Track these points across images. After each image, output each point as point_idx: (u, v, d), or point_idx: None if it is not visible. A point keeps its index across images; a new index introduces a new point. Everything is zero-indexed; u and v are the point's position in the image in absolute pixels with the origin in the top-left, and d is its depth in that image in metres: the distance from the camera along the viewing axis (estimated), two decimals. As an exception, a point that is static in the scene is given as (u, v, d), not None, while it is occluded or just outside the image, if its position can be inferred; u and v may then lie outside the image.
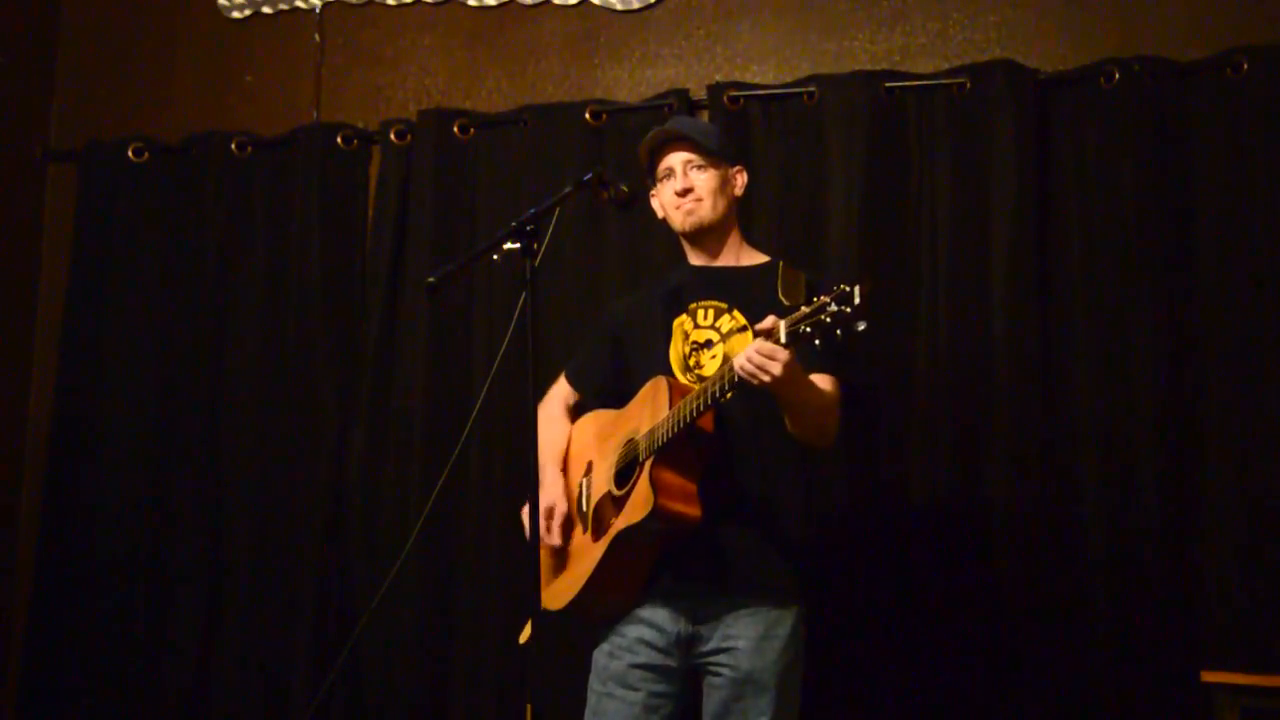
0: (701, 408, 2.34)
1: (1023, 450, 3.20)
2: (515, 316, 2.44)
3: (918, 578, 3.22)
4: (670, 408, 2.41)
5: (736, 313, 2.59)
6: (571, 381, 2.81)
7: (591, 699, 2.56)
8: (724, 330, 2.59)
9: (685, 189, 2.63)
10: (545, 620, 2.58)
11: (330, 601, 3.62)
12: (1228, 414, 3.12)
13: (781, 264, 2.64)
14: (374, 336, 3.71)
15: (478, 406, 2.78)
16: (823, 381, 2.49)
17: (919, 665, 3.18)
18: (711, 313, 2.62)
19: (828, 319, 2.12)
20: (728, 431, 2.48)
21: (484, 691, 3.46)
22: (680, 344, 2.61)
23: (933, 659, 3.17)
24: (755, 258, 2.72)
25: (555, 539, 2.60)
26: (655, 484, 2.38)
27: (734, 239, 2.71)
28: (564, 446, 2.73)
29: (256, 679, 3.64)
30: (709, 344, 2.60)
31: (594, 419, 2.71)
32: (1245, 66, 3.20)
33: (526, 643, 2.59)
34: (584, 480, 2.64)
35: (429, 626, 3.54)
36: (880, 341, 3.29)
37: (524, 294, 2.28)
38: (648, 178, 2.73)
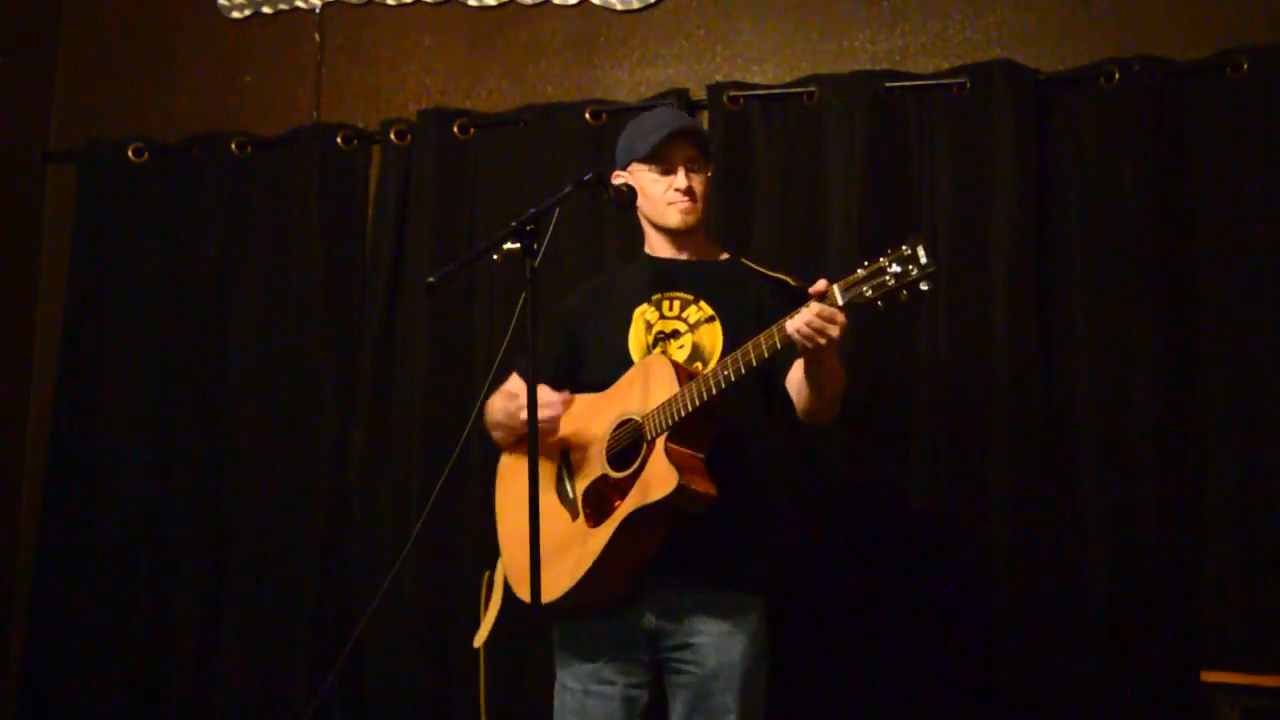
0: (732, 376, 2.32)
1: (1022, 449, 3.20)
2: (515, 316, 2.44)
3: (916, 577, 3.22)
4: (681, 384, 2.38)
5: (703, 304, 2.60)
6: (525, 376, 2.71)
7: (569, 699, 2.54)
8: (691, 321, 2.59)
9: (689, 189, 2.62)
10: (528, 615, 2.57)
11: (330, 601, 3.63)
12: (1228, 414, 3.12)
13: (744, 259, 2.68)
14: (374, 336, 3.71)
15: (478, 406, 2.77)
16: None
17: (918, 665, 3.18)
18: (678, 304, 2.62)
19: (890, 280, 2.12)
20: None
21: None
22: (642, 333, 2.61)
23: (932, 659, 3.17)
24: (717, 253, 2.74)
25: (559, 407, 2.52)
26: (675, 463, 2.35)
27: (701, 234, 2.73)
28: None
29: (256, 680, 3.64)
30: (676, 334, 2.60)
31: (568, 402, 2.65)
32: (1245, 66, 3.20)
33: (483, 645, 2.62)
34: (563, 467, 2.61)
35: (429, 626, 3.54)
36: (879, 340, 3.30)
37: (524, 294, 2.27)
38: (629, 156, 2.65)
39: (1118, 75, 3.27)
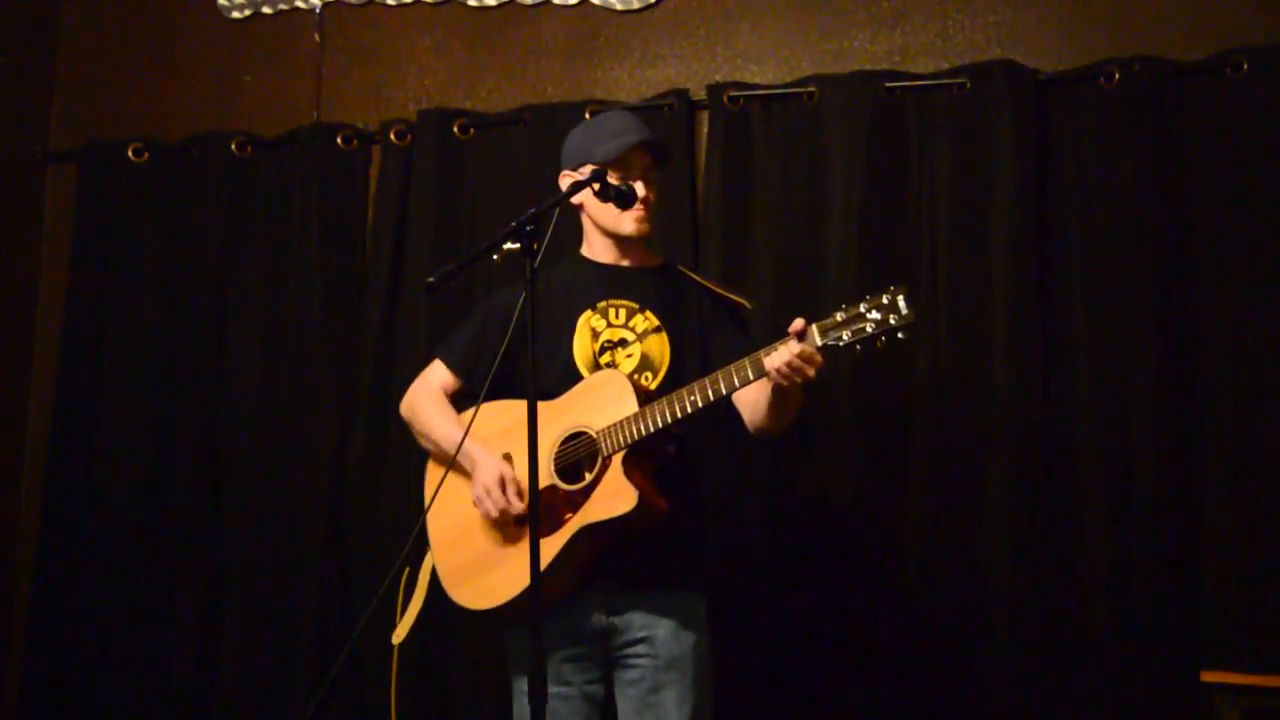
0: (699, 403, 2.35)
1: (1022, 449, 3.20)
2: (515, 316, 2.44)
3: (916, 577, 3.23)
4: (641, 404, 2.41)
5: (649, 313, 2.62)
6: (454, 368, 2.73)
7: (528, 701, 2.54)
8: (639, 330, 2.61)
9: (645, 198, 2.61)
10: (467, 618, 2.61)
11: (330, 602, 3.62)
12: (1227, 414, 3.12)
13: (679, 267, 2.71)
14: (374, 336, 3.71)
15: (478, 407, 2.77)
16: None
17: (919, 667, 3.18)
18: (624, 312, 2.63)
19: (869, 327, 2.16)
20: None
21: (483, 691, 3.45)
22: (588, 341, 2.61)
23: (933, 660, 3.18)
24: (654, 259, 2.74)
25: (518, 507, 2.52)
26: (633, 480, 2.39)
27: (644, 241, 2.72)
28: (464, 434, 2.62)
29: (257, 679, 3.64)
30: (624, 343, 2.60)
31: (500, 410, 2.63)
32: (1245, 66, 3.20)
33: (401, 642, 2.67)
34: None
35: (428, 626, 3.53)
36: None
37: (524, 294, 2.28)
38: (584, 158, 2.61)
39: (1118, 75, 3.27)
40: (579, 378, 2.58)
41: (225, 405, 3.81)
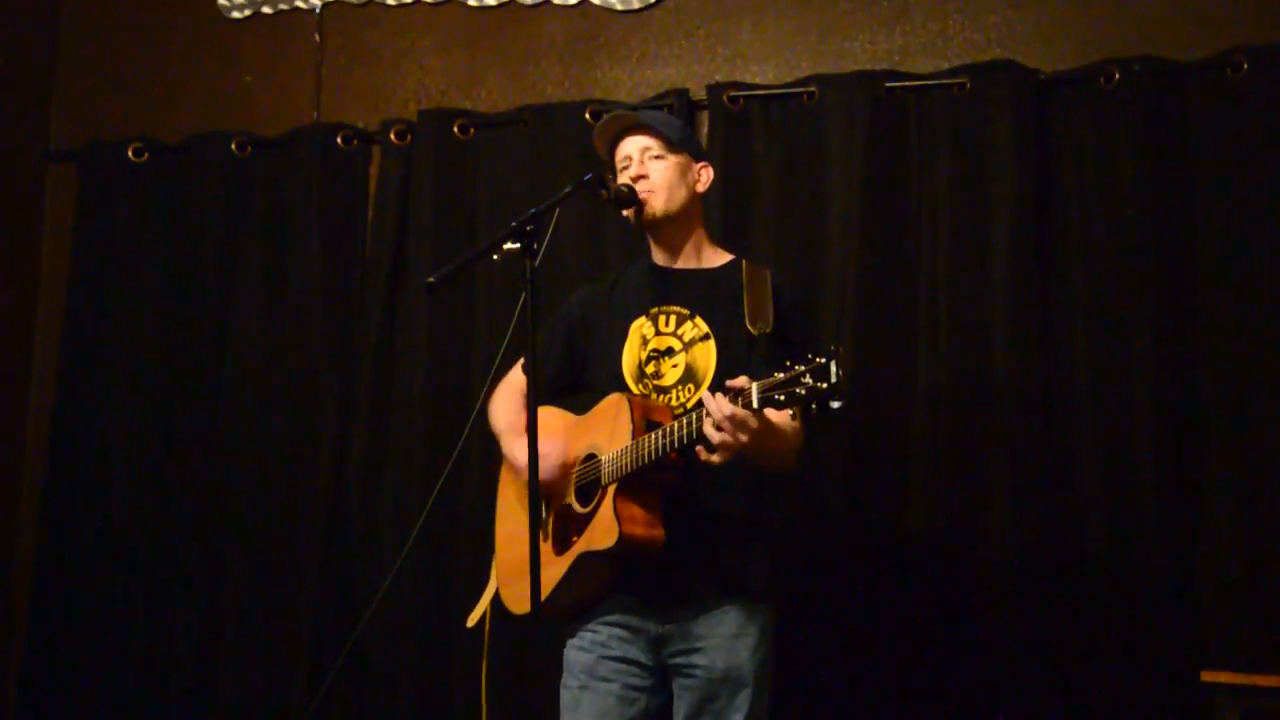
0: (666, 449, 2.32)
1: (1023, 450, 3.20)
2: (515, 317, 2.44)
3: (917, 577, 3.22)
4: (632, 436, 2.38)
5: (699, 320, 2.53)
6: (527, 373, 2.72)
7: (566, 696, 2.52)
8: (686, 339, 2.54)
9: (639, 177, 2.57)
10: (512, 620, 2.63)
11: (330, 601, 3.63)
12: (1227, 414, 3.12)
13: (745, 263, 2.58)
14: (374, 336, 3.71)
15: (478, 407, 2.77)
16: (782, 418, 2.35)
17: (920, 668, 3.18)
18: (674, 319, 2.56)
19: (802, 391, 2.07)
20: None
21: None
22: (637, 349, 2.56)
23: (933, 659, 3.17)
24: (718, 257, 2.65)
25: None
26: (619, 514, 2.37)
27: (696, 236, 2.64)
28: (521, 425, 2.62)
29: (257, 679, 3.64)
30: (670, 351, 2.54)
31: (552, 417, 2.65)
32: (1245, 66, 3.20)
33: (476, 624, 2.69)
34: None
35: (429, 626, 3.54)
36: (882, 333, 3.30)
37: (524, 294, 2.27)
38: (608, 170, 2.64)
39: (1118, 75, 3.27)
40: (624, 386, 2.55)
41: (225, 404, 3.81)
